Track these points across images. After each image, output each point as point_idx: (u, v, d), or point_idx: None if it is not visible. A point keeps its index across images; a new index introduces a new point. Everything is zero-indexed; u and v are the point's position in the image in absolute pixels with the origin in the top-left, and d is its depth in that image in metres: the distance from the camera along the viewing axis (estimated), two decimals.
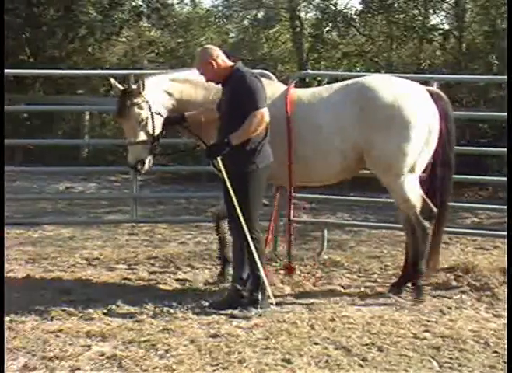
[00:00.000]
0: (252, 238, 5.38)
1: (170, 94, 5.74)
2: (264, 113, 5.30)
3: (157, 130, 5.63)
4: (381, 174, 5.84)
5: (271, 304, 5.44)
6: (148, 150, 5.61)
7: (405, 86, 5.89)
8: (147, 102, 5.55)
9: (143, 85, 5.54)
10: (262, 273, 5.38)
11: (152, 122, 5.58)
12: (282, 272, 6.48)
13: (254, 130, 5.30)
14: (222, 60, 5.45)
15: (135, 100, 5.53)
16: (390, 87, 5.79)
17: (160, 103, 5.66)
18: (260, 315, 5.32)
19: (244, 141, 5.30)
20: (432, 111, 5.81)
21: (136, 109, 5.53)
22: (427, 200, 5.91)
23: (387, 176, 5.80)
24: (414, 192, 5.80)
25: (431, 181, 6.01)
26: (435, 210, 5.91)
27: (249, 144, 5.34)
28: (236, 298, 5.48)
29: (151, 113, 5.57)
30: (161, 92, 5.69)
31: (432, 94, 5.90)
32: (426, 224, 5.85)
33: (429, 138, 5.76)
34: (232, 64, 5.49)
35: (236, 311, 5.36)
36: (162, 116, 5.66)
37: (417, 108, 5.72)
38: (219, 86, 5.57)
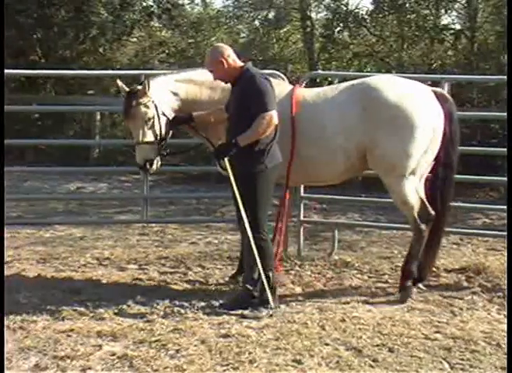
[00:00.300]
0: (260, 238, 5.37)
1: (175, 94, 5.73)
2: (273, 115, 5.28)
3: (164, 131, 5.63)
4: (384, 174, 5.82)
5: (270, 306, 5.39)
6: (156, 150, 5.62)
7: (409, 86, 5.87)
8: (153, 101, 5.55)
9: (149, 85, 5.54)
10: (262, 273, 5.35)
11: (159, 122, 5.58)
12: (292, 272, 6.49)
13: (263, 132, 5.28)
14: (232, 59, 5.43)
15: (141, 100, 5.53)
16: (394, 87, 5.77)
17: (166, 103, 5.66)
18: (270, 316, 5.31)
19: (253, 141, 5.30)
20: (436, 111, 5.79)
21: (142, 109, 5.53)
22: (426, 202, 5.89)
23: (390, 177, 5.78)
24: (414, 194, 5.79)
25: (432, 182, 5.99)
26: (432, 213, 5.90)
27: (258, 145, 5.32)
28: (246, 298, 5.47)
29: (157, 112, 5.57)
30: (167, 92, 5.69)
31: (437, 95, 5.88)
32: (423, 226, 5.84)
33: (433, 139, 5.74)
34: (242, 64, 5.48)
35: (246, 312, 5.35)
36: (168, 116, 5.66)
37: (421, 108, 5.69)
38: (225, 85, 5.57)
